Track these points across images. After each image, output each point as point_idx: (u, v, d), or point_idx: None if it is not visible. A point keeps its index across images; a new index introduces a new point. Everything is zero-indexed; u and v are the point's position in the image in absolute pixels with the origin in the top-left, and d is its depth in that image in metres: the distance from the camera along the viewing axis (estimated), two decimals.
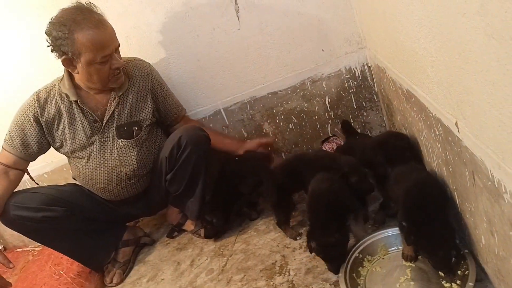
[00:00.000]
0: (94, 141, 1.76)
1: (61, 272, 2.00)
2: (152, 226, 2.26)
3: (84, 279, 1.91)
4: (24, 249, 2.49)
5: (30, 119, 1.73)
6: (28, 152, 1.75)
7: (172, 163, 1.79)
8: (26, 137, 1.74)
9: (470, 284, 1.13)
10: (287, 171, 1.75)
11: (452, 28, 0.84)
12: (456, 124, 1.02)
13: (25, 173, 1.82)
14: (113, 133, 1.76)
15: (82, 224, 1.83)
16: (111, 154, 1.77)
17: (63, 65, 1.64)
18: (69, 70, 1.67)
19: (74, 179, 1.92)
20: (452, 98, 0.99)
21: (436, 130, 1.20)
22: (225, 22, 1.98)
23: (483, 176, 0.94)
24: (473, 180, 1.03)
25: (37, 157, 1.82)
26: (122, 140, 1.77)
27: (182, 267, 1.83)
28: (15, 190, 1.77)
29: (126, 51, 1.99)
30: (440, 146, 1.22)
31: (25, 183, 2.34)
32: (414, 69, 1.23)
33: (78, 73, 1.66)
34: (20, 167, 1.77)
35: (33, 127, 1.74)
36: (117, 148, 1.77)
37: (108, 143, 1.77)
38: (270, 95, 2.12)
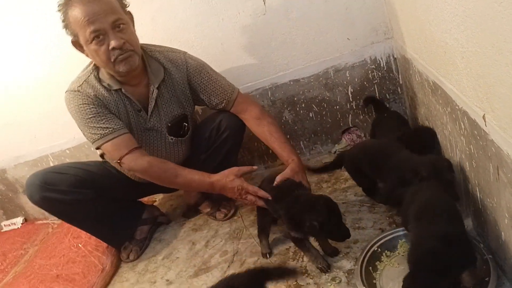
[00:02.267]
0: (140, 130, 1.73)
1: (79, 245, 2.06)
2: (168, 206, 2.30)
3: (101, 253, 1.96)
4: (45, 221, 2.58)
5: (95, 106, 1.62)
6: (121, 125, 1.64)
7: (210, 144, 1.81)
8: (106, 117, 1.62)
9: None
10: (367, 153, 1.61)
11: (486, 18, 0.82)
12: (483, 117, 1.00)
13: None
14: (162, 127, 1.75)
15: (105, 205, 1.85)
16: (158, 146, 1.78)
17: (75, 48, 1.58)
18: (80, 51, 1.59)
19: (102, 156, 1.90)
20: (481, 90, 0.97)
21: (462, 123, 1.18)
22: (251, 6, 1.97)
23: (509, 171, 0.93)
24: (497, 175, 1.02)
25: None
26: (172, 137, 1.77)
27: (196, 247, 1.86)
28: (41, 169, 1.83)
29: (151, 33, 2.02)
30: (465, 140, 1.20)
31: (49, 161, 2.42)
32: (443, 60, 1.21)
33: (87, 55, 1.58)
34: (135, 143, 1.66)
35: (102, 109, 1.63)
36: (166, 143, 1.77)
37: (156, 135, 1.76)
38: (292, 83, 2.11)
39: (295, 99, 2.14)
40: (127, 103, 1.68)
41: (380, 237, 1.42)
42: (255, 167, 1.68)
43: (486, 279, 1.14)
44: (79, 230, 2.10)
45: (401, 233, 1.42)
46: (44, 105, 2.27)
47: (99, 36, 1.48)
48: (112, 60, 1.53)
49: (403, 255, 1.37)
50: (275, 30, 2.01)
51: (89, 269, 1.88)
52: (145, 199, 2.21)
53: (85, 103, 1.61)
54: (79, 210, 1.78)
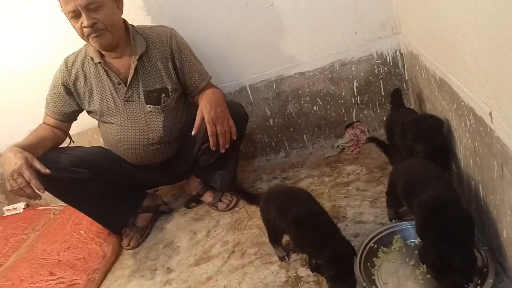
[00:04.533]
0: (120, 104, 1.80)
1: (81, 231, 2.07)
2: (170, 196, 2.31)
3: (102, 240, 1.97)
4: (47, 207, 2.58)
5: (59, 84, 1.81)
6: (63, 115, 1.83)
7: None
8: (58, 101, 1.82)
9: (490, 280, 1.11)
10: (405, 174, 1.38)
11: (499, 14, 0.82)
12: (490, 114, 1.00)
13: (67, 136, 1.89)
14: (140, 97, 1.79)
15: (105, 188, 1.87)
16: (138, 118, 1.81)
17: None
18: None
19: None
20: (489, 87, 0.97)
21: (467, 120, 1.18)
22: None
23: None
24: (501, 172, 1.02)
25: (73, 118, 1.90)
26: (150, 106, 1.80)
27: (198, 236, 1.87)
28: None
29: (159, 21, 2.02)
30: (470, 137, 1.20)
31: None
32: (451, 56, 1.20)
33: None
34: (62, 128, 1.85)
35: (63, 91, 1.81)
36: (144, 113, 1.80)
37: (135, 107, 1.80)
38: (297, 75, 2.10)
39: (300, 92, 2.14)
40: (106, 77, 1.79)
41: (376, 233, 1.42)
42: (48, 171, 1.55)
43: (485, 270, 1.15)
44: (80, 216, 2.11)
45: (396, 228, 1.43)
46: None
47: (75, 15, 1.62)
48: (85, 36, 1.66)
49: (398, 251, 1.38)
50: (283, 22, 1.99)
51: (91, 255, 1.89)
52: None
53: (57, 77, 1.82)
54: (76, 189, 1.79)
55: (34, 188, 1.51)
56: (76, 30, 1.67)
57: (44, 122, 1.84)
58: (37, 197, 1.54)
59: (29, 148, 1.60)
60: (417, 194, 1.23)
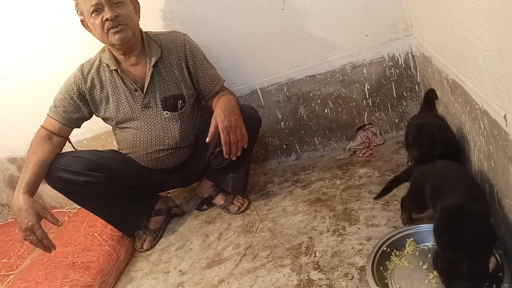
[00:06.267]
0: (137, 110, 1.81)
1: (95, 234, 2.09)
2: (182, 198, 2.33)
3: (116, 243, 1.99)
4: (61, 210, 2.62)
5: (74, 90, 1.81)
6: (70, 120, 1.83)
7: None
8: (69, 106, 1.82)
9: (505, 285, 1.10)
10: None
11: None
12: (504, 117, 0.99)
13: (67, 141, 1.91)
14: (157, 104, 1.81)
15: (119, 191, 1.90)
16: (155, 124, 1.83)
17: (84, 27, 1.75)
18: (89, 31, 1.74)
19: (120, 151, 1.97)
20: (503, 90, 0.96)
21: (481, 123, 1.17)
22: (269, 1, 1.96)
23: None
24: None
25: (79, 124, 1.90)
26: (166, 112, 1.82)
27: (210, 239, 1.88)
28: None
29: (170, 26, 2.04)
30: (484, 140, 1.19)
31: (66, 146, 2.45)
32: (464, 58, 1.19)
33: (92, 32, 1.73)
34: (64, 134, 1.85)
35: (77, 97, 1.81)
36: (161, 119, 1.82)
37: (152, 113, 1.82)
38: (308, 78, 2.10)
39: (311, 95, 2.14)
40: (122, 84, 1.80)
41: (388, 236, 1.42)
42: (60, 223, 1.67)
43: (500, 274, 1.14)
44: (94, 219, 2.14)
45: (409, 232, 1.41)
46: None
47: (97, 10, 1.63)
48: (105, 30, 1.66)
49: (411, 254, 1.37)
50: (293, 25, 2.00)
51: (104, 257, 1.91)
52: None
53: (72, 83, 1.82)
54: (91, 193, 1.82)
55: (45, 245, 1.62)
56: (94, 28, 1.67)
57: (43, 127, 1.82)
58: (48, 251, 1.65)
59: (33, 185, 1.67)
60: (446, 198, 1.20)
